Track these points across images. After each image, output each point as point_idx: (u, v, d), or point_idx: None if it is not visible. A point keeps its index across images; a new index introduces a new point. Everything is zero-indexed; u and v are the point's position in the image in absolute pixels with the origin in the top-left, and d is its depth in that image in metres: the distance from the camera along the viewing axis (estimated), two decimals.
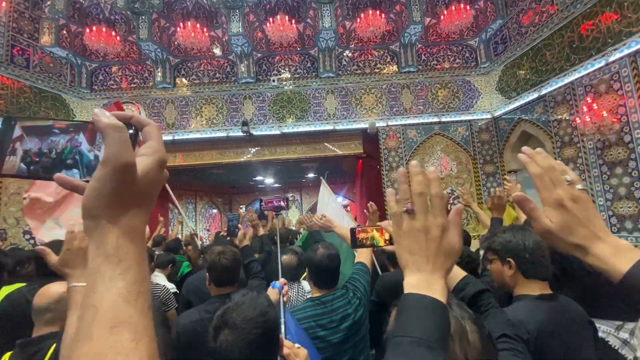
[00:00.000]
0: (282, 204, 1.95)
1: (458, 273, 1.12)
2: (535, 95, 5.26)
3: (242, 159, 6.69)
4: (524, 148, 0.69)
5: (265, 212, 3.58)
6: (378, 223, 1.20)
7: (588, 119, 4.15)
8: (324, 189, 3.74)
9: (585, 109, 4.25)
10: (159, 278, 3.17)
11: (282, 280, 1.75)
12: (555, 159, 3.88)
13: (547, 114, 5.09)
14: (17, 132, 0.41)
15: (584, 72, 4.41)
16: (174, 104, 6.49)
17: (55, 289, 1.30)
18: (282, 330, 1.21)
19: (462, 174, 6.31)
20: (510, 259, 1.28)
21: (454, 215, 0.54)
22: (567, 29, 4.62)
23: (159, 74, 6.38)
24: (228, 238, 3.36)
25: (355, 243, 1.14)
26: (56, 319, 1.27)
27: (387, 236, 1.11)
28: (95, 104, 6.46)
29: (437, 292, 0.50)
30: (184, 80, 6.58)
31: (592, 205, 0.63)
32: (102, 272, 0.35)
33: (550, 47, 4.96)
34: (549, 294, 1.25)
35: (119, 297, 0.34)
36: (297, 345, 1.10)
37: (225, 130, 6.42)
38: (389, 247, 1.15)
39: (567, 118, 4.74)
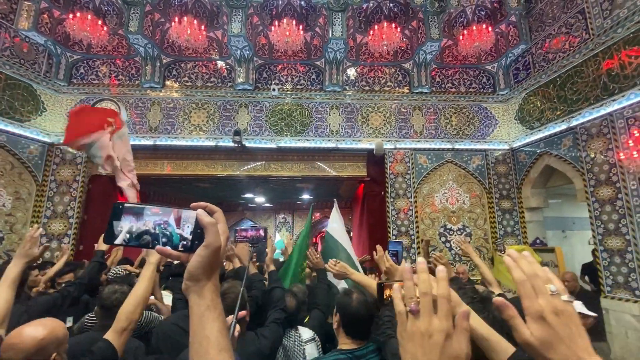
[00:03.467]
0: (260, 233, 1.73)
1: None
2: (564, 126, 4.74)
3: (231, 173, 5.96)
4: (510, 251, 0.63)
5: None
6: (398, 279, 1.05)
7: (635, 155, 3.58)
8: (337, 216, 3.01)
9: (630, 143, 3.70)
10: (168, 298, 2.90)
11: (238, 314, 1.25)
12: (588, 198, 3.10)
13: (577, 148, 4.54)
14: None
15: (625, 103, 3.90)
16: (160, 106, 5.82)
17: (30, 335, 1.10)
18: None
19: (475, 208, 5.66)
20: None
21: (461, 319, 0.49)
22: (605, 55, 4.17)
23: (148, 71, 5.76)
24: (257, 264, 3.17)
25: (383, 300, 0.97)
26: None
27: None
28: (72, 98, 5.76)
29: None
30: (174, 81, 5.96)
31: (577, 320, 0.54)
32: (206, 316, 0.58)
33: (583, 74, 4.50)
34: None
35: (219, 332, 0.58)
36: None
37: (215, 139, 5.73)
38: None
39: (603, 153, 4.18)
